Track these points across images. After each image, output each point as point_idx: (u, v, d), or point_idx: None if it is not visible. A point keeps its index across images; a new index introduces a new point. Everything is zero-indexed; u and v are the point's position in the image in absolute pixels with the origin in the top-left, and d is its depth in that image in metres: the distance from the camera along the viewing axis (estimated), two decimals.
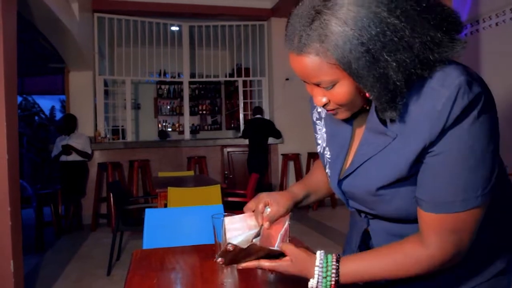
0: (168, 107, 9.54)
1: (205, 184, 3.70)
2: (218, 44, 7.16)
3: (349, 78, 0.79)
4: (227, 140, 6.80)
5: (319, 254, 0.92)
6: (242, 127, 6.83)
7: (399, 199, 0.89)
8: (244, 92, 7.34)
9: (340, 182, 1.01)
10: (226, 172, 6.68)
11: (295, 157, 6.52)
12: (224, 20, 7.06)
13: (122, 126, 6.89)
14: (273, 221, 1.12)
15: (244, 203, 3.95)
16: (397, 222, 0.95)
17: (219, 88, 9.93)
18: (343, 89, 0.82)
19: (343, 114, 0.91)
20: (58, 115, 12.82)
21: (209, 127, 9.85)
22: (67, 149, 5.53)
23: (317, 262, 0.91)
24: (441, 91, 0.76)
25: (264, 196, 1.14)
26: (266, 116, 7.09)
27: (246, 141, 6.38)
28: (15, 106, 2.90)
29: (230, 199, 4.29)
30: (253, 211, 1.14)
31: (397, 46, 0.73)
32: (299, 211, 6.46)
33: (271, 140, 6.70)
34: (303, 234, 4.96)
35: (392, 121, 0.83)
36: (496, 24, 4.96)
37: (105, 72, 6.81)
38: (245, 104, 7.14)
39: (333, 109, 0.89)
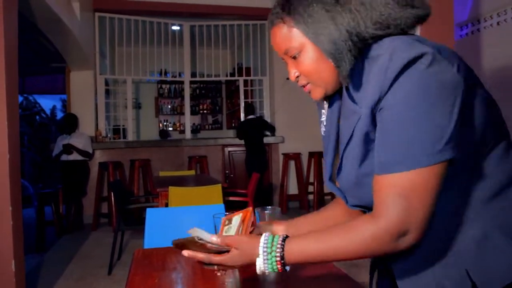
0: (169, 106, 9.54)
1: (206, 184, 3.70)
2: (219, 44, 7.16)
3: (310, 44, 0.89)
4: (228, 140, 6.80)
5: (264, 235, 0.91)
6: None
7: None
8: (245, 92, 7.34)
9: (331, 178, 1.02)
10: (227, 172, 6.68)
11: (296, 157, 6.51)
12: (225, 19, 7.06)
13: (123, 125, 6.90)
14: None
15: (245, 203, 3.96)
16: None
17: (220, 87, 9.93)
18: (307, 56, 0.90)
19: (316, 91, 0.94)
20: (59, 115, 12.84)
21: (210, 126, 9.85)
22: (68, 149, 5.53)
23: (261, 242, 0.89)
24: (388, 49, 0.80)
25: (258, 226, 1.16)
26: (267, 115, 7.09)
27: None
28: (16, 105, 2.90)
29: (231, 198, 4.29)
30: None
31: (342, 9, 0.85)
32: (299, 211, 6.47)
33: (271, 139, 6.70)
34: None
35: (354, 99, 0.87)
36: (498, 24, 4.96)
37: (106, 72, 6.81)
38: (246, 103, 7.14)
39: (305, 85, 0.95)
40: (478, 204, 0.84)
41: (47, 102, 12.96)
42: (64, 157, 5.59)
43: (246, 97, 7.33)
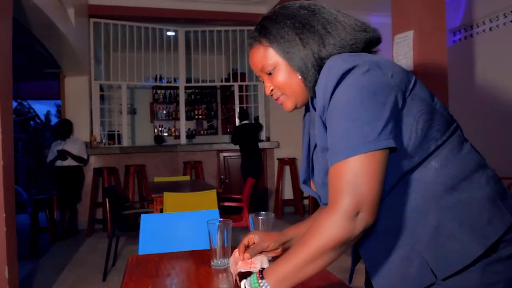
0: (164, 112, 9.53)
1: (201, 189, 3.70)
2: (214, 49, 7.18)
3: (282, 61, 1.03)
4: (223, 145, 6.80)
5: (243, 283, 0.93)
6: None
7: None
8: (240, 97, 7.36)
9: (305, 181, 1.15)
10: (222, 177, 6.68)
11: (291, 162, 6.52)
12: (220, 25, 7.08)
13: (118, 131, 6.89)
14: (254, 253, 1.16)
15: (240, 208, 3.96)
16: None
17: (215, 92, 9.94)
18: (280, 71, 1.04)
19: (288, 102, 1.08)
20: (54, 120, 12.81)
21: (205, 131, 9.85)
22: (63, 154, 5.52)
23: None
24: (330, 70, 0.93)
25: (251, 233, 1.23)
26: (262, 121, 7.10)
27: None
28: (10, 111, 2.89)
29: (226, 203, 4.29)
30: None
31: (309, 32, 1.00)
32: (294, 215, 6.47)
33: (266, 144, 6.71)
34: None
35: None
36: (490, 29, 5.00)
37: (101, 77, 6.80)
38: (241, 108, 7.15)
39: (278, 97, 1.09)
40: (433, 197, 0.91)
41: (41, 108, 12.94)
42: (59, 163, 5.57)
43: (241, 102, 7.34)
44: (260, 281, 0.89)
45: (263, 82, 1.12)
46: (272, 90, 1.09)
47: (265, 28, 1.05)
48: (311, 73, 1.00)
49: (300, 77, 1.02)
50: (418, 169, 0.92)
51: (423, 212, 0.91)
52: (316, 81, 0.99)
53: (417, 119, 0.91)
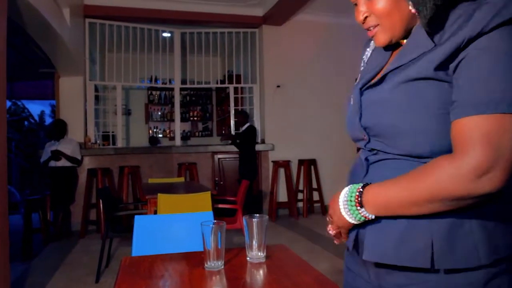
0: (159, 113, 9.52)
1: (195, 191, 3.70)
2: (209, 51, 7.18)
3: None
4: (218, 147, 6.79)
5: (348, 187, 0.93)
6: (234, 133, 6.84)
7: (416, 106, 0.84)
8: (235, 99, 7.36)
9: (362, 92, 0.99)
10: (216, 179, 6.67)
11: (286, 164, 6.52)
12: (216, 27, 7.08)
13: (113, 132, 6.87)
14: None
15: (234, 210, 3.95)
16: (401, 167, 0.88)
17: (210, 94, 9.94)
18: None
19: (382, 36, 0.92)
20: (48, 120, 12.76)
21: (200, 133, 9.84)
22: (57, 155, 5.49)
23: (343, 193, 0.93)
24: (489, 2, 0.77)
25: None
26: (257, 123, 7.11)
27: (236, 148, 6.38)
28: (3, 110, 2.88)
29: (220, 205, 4.28)
30: None
31: None
32: (289, 218, 6.47)
33: (261, 147, 6.71)
34: (293, 242, 4.95)
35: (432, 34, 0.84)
36: None
37: (96, 78, 6.78)
38: (236, 110, 7.16)
39: (371, 27, 0.92)
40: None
41: (36, 108, 12.88)
42: (52, 164, 5.54)
43: (236, 104, 7.34)
44: (359, 209, 0.88)
45: (355, 5, 0.94)
46: (366, 17, 0.93)
47: None
48: (429, 4, 0.81)
49: (410, 5, 0.85)
50: None
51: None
52: (431, 17, 0.82)
53: None
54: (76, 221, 5.79)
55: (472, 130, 0.75)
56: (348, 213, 0.90)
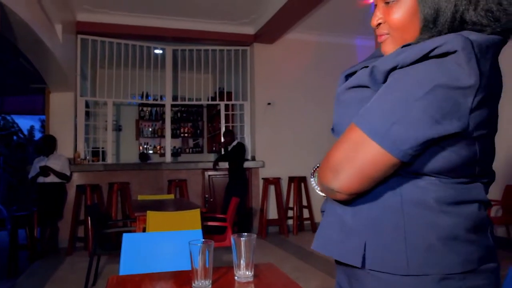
0: (150, 129, 9.51)
1: (185, 208, 3.68)
2: (201, 68, 7.23)
3: None
4: (209, 164, 6.78)
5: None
6: (223, 151, 6.85)
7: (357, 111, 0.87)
8: (226, 116, 7.39)
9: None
10: (206, 196, 6.65)
11: (276, 181, 6.53)
12: (208, 44, 7.14)
13: (103, 147, 6.83)
14: None
15: (224, 228, 3.93)
16: None
17: (201, 111, 9.97)
18: (403, 8, 0.87)
19: (390, 45, 0.92)
20: (37, 135, 12.68)
21: (190, 150, 9.83)
22: (45, 171, 5.45)
23: None
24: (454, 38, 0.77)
25: None
26: (248, 140, 7.13)
27: (227, 165, 6.39)
28: None
29: (210, 223, 4.26)
30: None
31: None
32: (278, 235, 6.45)
33: (252, 164, 6.72)
34: (283, 260, 4.93)
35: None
36: None
37: (87, 93, 6.78)
38: (227, 127, 7.18)
39: (382, 34, 0.93)
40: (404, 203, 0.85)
41: (25, 122, 12.81)
42: (41, 179, 5.49)
43: (227, 121, 7.37)
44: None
45: (375, 9, 0.94)
46: (379, 24, 0.93)
47: None
48: (434, 31, 0.83)
49: (420, 24, 0.85)
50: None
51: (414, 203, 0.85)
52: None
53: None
54: (63, 238, 5.71)
55: (346, 132, 0.84)
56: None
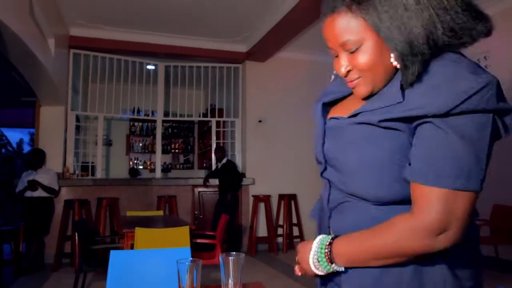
0: (140, 144, 9.48)
1: (173, 225, 3.65)
2: (192, 84, 7.25)
3: (373, 39, 0.85)
4: (199, 180, 6.76)
5: (319, 237, 0.98)
6: (213, 167, 6.84)
7: (371, 151, 0.89)
8: (217, 133, 7.39)
9: (330, 119, 1.04)
10: (196, 213, 6.61)
11: (266, 199, 6.52)
12: (200, 61, 7.18)
13: (92, 162, 6.79)
14: None
15: (213, 245, 3.89)
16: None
17: (193, 127, 9.97)
18: (368, 51, 0.87)
19: (363, 88, 0.92)
20: (26, 148, 12.57)
21: (181, 166, 9.79)
22: (33, 185, 5.39)
23: (315, 243, 0.97)
24: (471, 76, 0.80)
25: None
26: (238, 157, 7.13)
27: (217, 181, 6.38)
28: None
29: (199, 240, 4.23)
30: None
31: (422, 8, 0.81)
32: (268, 253, 6.41)
33: (242, 181, 6.70)
34: (273, 278, 4.89)
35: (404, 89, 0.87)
36: None
37: (78, 108, 6.76)
38: (217, 144, 7.18)
39: (354, 80, 0.92)
40: None
41: (14, 135, 12.72)
42: (28, 194, 5.42)
43: (218, 138, 7.37)
44: (330, 264, 0.94)
45: (335, 57, 0.94)
46: (349, 71, 0.92)
47: None
48: (418, 61, 0.82)
49: (399, 64, 0.85)
50: None
51: None
52: (418, 70, 0.83)
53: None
54: (49, 253, 5.62)
55: (431, 197, 0.82)
56: (318, 267, 0.96)
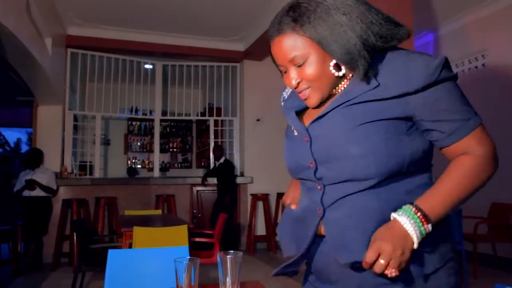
0: (139, 143, 9.47)
1: (172, 224, 3.66)
2: (190, 83, 7.24)
3: (317, 52, 0.98)
4: (197, 179, 6.76)
5: (397, 214, 0.97)
6: (212, 165, 6.85)
7: (368, 133, 0.97)
8: (215, 131, 7.39)
9: (310, 124, 1.09)
10: (194, 211, 6.61)
11: (264, 197, 6.52)
12: (198, 60, 7.18)
13: (90, 161, 6.78)
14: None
15: (211, 244, 3.91)
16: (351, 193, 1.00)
17: (191, 126, 9.97)
18: (313, 63, 0.99)
19: (314, 97, 1.04)
20: (24, 148, 12.55)
21: (179, 165, 9.79)
22: (31, 184, 5.38)
23: (405, 219, 0.95)
24: (430, 57, 0.96)
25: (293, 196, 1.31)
26: (237, 156, 7.13)
27: (215, 180, 6.38)
28: None
29: (197, 239, 4.23)
30: None
31: (355, 22, 0.96)
32: (266, 252, 6.42)
33: (240, 180, 6.71)
34: (271, 277, 4.89)
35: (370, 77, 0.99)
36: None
37: (75, 107, 6.75)
38: (215, 143, 7.18)
39: (303, 90, 1.04)
40: None
41: (12, 135, 12.69)
42: (26, 193, 5.42)
43: (216, 137, 7.37)
44: (426, 226, 0.94)
45: (285, 72, 1.07)
46: (298, 83, 1.04)
47: (301, 14, 0.98)
48: (361, 63, 0.96)
49: (334, 71, 1.00)
50: None
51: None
52: (367, 68, 0.97)
53: None
54: (48, 253, 5.62)
55: (480, 135, 0.98)
56: (418, 236, 0.94)
